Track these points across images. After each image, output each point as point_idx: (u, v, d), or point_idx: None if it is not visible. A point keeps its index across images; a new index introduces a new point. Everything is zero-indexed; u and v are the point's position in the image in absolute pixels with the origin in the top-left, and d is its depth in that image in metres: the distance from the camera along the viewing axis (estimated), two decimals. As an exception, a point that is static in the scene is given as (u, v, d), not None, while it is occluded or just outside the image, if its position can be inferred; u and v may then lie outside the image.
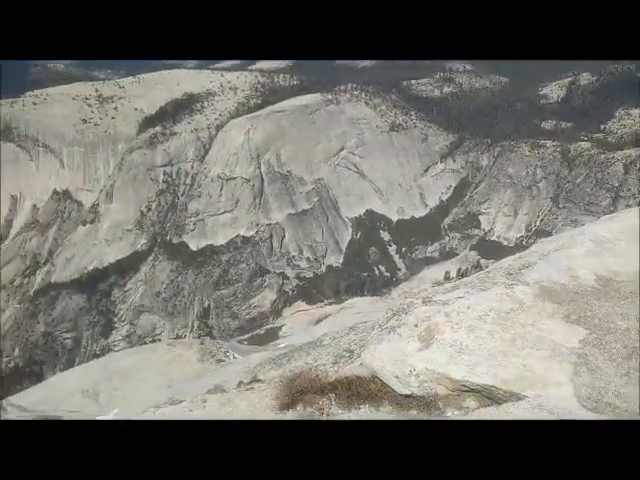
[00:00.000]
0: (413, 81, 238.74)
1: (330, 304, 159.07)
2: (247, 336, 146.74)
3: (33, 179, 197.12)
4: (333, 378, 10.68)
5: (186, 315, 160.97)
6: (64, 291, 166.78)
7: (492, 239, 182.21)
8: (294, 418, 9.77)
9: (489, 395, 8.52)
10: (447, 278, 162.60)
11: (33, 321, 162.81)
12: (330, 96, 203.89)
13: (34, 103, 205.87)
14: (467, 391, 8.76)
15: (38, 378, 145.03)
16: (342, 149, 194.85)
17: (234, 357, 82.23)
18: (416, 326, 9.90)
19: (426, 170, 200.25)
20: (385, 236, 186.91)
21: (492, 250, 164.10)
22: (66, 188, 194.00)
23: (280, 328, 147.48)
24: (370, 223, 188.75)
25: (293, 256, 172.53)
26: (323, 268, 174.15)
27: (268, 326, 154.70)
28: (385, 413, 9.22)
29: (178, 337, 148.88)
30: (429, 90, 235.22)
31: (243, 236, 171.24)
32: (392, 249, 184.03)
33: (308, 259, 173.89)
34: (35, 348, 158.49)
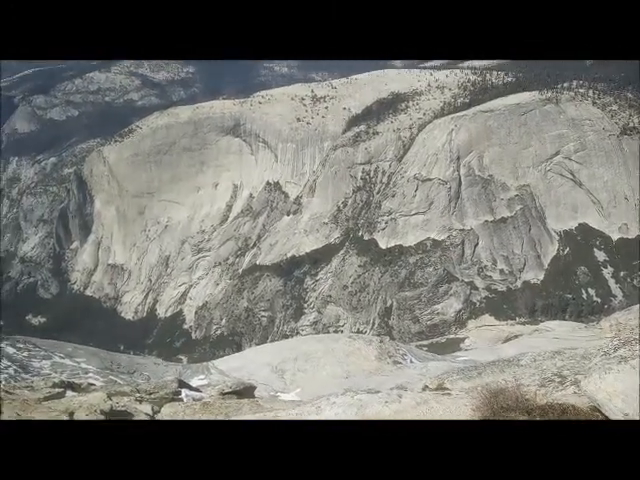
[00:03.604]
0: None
1: (522, 323, 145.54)
2: (427, 342, 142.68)
3: (252, 171, 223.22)
4: (543, 402, 10.27)
5: (369, 311, 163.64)
6: (266, 273, 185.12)
7: None
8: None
9: None
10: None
11: (239, 296, 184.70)
12: (549, 94, 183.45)
13: (260, 102, 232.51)
14: None
15: (238, 347, 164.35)
16: (557, 154, 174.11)
17: (411, 361, 79.61)
18: (656, 360, 8.79)
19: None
20: (600, 256, 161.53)
21: None
22: (277, 180, 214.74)
23: (463, 340, 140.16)
24: (582, 239, 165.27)
25: (485, 266, 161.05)
26: (519, 283, 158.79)
27: (450, 336, 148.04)
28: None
29: (359, 332, 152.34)
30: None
31: (434, 239, 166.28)
32: (607, 271, 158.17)
33: (502, 271, 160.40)
34: (238, 321, 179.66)
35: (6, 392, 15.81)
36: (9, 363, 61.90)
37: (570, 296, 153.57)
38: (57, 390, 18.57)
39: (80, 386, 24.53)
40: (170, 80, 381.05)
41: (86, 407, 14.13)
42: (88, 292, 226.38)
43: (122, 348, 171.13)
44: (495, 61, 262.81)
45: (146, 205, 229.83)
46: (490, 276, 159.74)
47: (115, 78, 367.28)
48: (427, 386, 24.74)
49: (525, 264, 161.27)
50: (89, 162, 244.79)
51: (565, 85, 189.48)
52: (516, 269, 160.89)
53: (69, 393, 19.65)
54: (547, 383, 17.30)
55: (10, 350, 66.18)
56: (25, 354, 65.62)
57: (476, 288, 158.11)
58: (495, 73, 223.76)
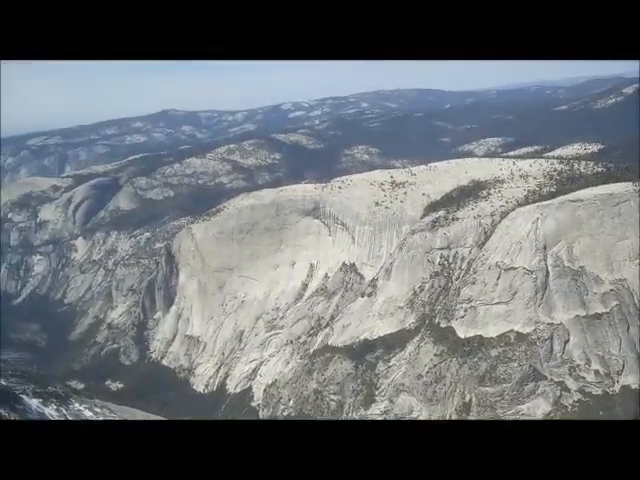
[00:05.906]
0: None
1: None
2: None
3: (329, 251, 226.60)
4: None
5: (445, 405, 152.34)
6: (337, 355, 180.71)
7: None
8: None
9: None
10: None
11: (308, 377, 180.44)
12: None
13: (339, 187, 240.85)
14: None
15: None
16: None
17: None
18: None
19: None
20: None
21: None
22: (353, 262, 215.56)
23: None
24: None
25: (578, 365, 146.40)
26: (617, 387, 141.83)
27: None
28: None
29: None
30: None
31: (518, 332, 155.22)
32: None
33: (597, 372, 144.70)
34: (306, 402, 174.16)
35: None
36: (85, 426, 63.13)
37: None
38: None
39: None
40: (258, 165, 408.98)
41: None
42: (164, 362, 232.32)
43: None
44: (583, 150, 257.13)
45: (226, 280, 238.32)
46: (584, 377, 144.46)
47: (209, 163, 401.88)
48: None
49: (624, 366, 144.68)
50: (178, 238, 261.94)
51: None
52: (613, 371, 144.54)
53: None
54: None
55: (87, 414, 67.89)
56: (100, 419, 66.97)
57: (567, 389, 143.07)
58: (584, 163, 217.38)
